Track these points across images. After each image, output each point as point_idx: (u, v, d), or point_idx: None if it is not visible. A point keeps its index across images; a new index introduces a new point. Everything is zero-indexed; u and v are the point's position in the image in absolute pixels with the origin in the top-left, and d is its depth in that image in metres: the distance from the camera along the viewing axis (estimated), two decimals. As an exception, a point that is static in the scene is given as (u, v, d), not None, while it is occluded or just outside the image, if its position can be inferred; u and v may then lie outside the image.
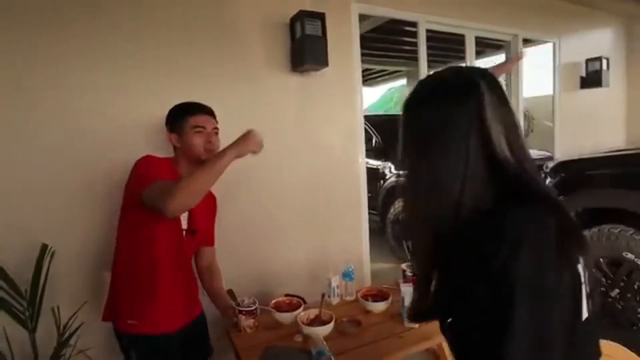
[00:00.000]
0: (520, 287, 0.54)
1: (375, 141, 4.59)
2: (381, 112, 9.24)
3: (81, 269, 1.71)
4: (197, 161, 1.40)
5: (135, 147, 1.61)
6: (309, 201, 2.31)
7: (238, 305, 1.48)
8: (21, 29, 1.58)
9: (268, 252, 2.18)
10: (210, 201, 1.60)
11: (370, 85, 8.07)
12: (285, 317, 1.53)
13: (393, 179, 4.35)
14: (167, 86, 1.85)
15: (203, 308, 1.59)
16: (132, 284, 1.37)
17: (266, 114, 2.15)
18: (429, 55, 2.80)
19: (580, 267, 0.61)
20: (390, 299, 1.63)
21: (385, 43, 4.76)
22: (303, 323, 1.45)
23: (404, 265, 1.82)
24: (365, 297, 1.67)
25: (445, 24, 2.81)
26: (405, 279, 1.75)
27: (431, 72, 0.75)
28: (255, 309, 1.48)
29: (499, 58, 4.86)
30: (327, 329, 1.42)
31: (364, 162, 2.53)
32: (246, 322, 1.46)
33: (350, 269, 1.76)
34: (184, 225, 1.44)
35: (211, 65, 1.98)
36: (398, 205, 4.18)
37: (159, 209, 1.17)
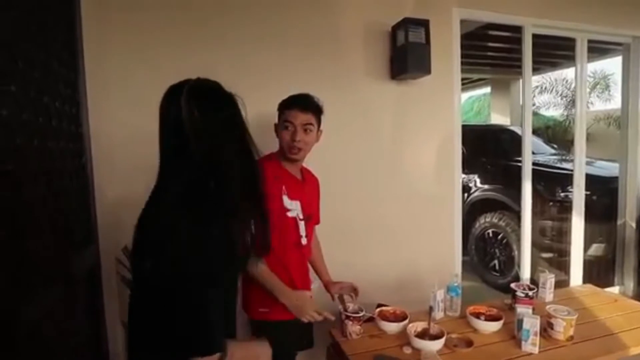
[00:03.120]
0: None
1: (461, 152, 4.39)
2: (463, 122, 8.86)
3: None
4: (286, 157, 1.45)
5: None
6: (402, 211, 2.27)
7: (346, 310, 1.48)
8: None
9: (359, 258, 2.15)
10: (314, 185, 1.65)
11: None
12: (392, 327, 1.50)
13: (478, 193, 4.11)
14: (264, 94, 1.90)
15: None
16: None
17: (363, 121, 2.16)
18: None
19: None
20: (502, 320, 1.52)
21: (472, 50, 4.56)
22: (413, 335, 1.40)
23: (514, 285, 1.70)
24: (475, 315, 1.58)
25: (554, 27, 2.61)
26: (518, 299, 1.63)
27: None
28: (363, 315, 1.47)
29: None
30: (438, 343, 1.36)
31: (459, 174, 2.43)
32: (353, 328, 1.46)
33: (456, 284, 1.68)
34: (300, 215, 1.48)
35: (309, 73, 2.03)
36: (484, 220, 3.94)
37: None
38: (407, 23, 2.03)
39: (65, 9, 1.33)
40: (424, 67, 2.06)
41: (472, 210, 4.11)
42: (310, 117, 1.43)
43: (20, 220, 0.93)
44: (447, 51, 2.32)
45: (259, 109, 1.79)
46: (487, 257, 3.88)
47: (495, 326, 1.51)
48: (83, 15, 1.44)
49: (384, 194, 2.22)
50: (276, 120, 1.48)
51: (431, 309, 1.54)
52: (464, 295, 2.25)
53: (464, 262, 4.02)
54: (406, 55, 2.04)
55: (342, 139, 2.07)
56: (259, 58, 1.94)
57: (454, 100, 2.36)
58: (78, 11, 1.40)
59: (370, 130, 2.18)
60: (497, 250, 3.77)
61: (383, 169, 2.22)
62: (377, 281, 2.16)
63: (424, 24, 2.06)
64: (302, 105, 1.42)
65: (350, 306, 1.51)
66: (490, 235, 3.87)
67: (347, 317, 1.46)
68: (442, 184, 2.37)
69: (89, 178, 1.45)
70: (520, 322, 1.41)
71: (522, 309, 1.46)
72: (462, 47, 4.32)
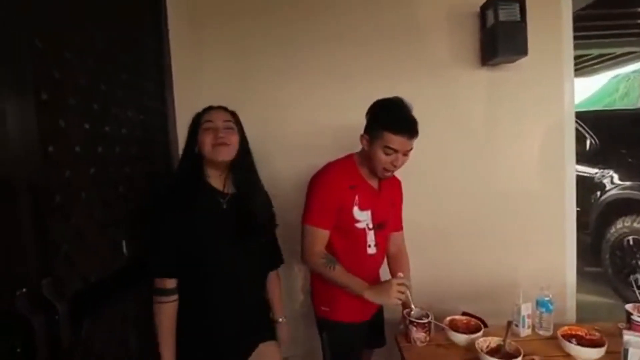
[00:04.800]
0: None
1: (590, 143, 3.71)
2: (598, 108, 7.44)
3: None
4: (374, 174, 1.42)
5: (319, 151, 1.65)
6: (497, 212, 2.03)
7: (409, 314, 1.40)
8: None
9: (445, 262, 2.02)
10: (394, 190, 1.59)
11: (582, 75, 6.56)
12: (460, 338, 1.38)
13: (615, 191, 3.42)
14: (348, 88, 1.92)
15: None
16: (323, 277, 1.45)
17: (451, 113, 2.00)
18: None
19: None
20: (605, 346, 1.26)
21: (608, 20, 3.78)
22: (482, 351, 1.26)
23: (629, 307, 1.40)
24: (568, 337, 1.34)
25: None
26: (633, 324, 1.33)
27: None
28: (428, 322, 1.38)
29: None
30: (512, 364, 1.20)
31: (572, 169, 2.07)
32: (417, 334, 1.37)
33: (547, 298, 1.45)
34: (370, 224, 1.44)
35: (391, 63, 1.95)
36: (622, 225, 3.27)
37: (301, 252, 1.40)
38: (496, 0, 1.81)
39: (154, 22, 1.56)
40: (518, 48, 1.80)
41: (606, 213, 3.45)
42: (413, 142, 1.35)
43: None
44: (554, 26, 1.98)
45: (341, 106, 1.87)
46: (626, 269, 3.23)
47: (592, 353, 1.25)
48: (170, 26, 1.65)
49: (473, 194, 2.02)
50: (363, 129, 1.41)
51: (509, 323, 1.36)
52: (590, 313, 1.92)
53: (595, 275, 3.43)
54: (496, 37, 1.81)
55: (427, 134, 1.92)
56: (338, 56, 1.94)
57: (563, 83, 2.01)
58: (165, 24, 1.61)
59: (458, 124, 2.00)
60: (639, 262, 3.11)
61: (472, 166, 2.01)
62: (463, 288, 2.00)
63: (519, -2, 1.81)
64: (412, 132, 1.33)
65: (418, 310, 1.42)
66: (631, 243, 3.21)
67: (411, 323, 1.38)
68: (547, 181, 2.04)
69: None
70: (625, 353, 1.15)
71: (631, 337, 1.18)
72: (592, 18, 3.65)
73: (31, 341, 0.74)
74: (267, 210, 1.37)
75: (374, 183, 1.47)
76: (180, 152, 1.60)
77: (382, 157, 1.33)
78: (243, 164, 1.30)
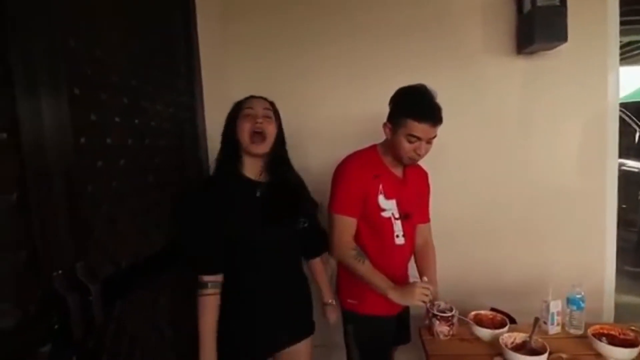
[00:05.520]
0: None
1: (640, 136, 3.46)
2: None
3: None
4: (398, 162, 1.40)
5: (346, 143, 1.60)
6: (531, 207, 1.96)
7: (432, 307, 1.38)
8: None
9: (475, 256, 1.97)
10: (420, 182, 1.56)
11: (630, 63, 6.01)
12: (484, 333, 1.35)
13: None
14: (375, 81, 1.90)
15: None
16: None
17: (484, 105, 1.93)
18: None
19: None
20: (639, 347, 1.20)
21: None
22: (506, 346, 1.24)
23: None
24: (599, 335, 1.29)
25: None
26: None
27: None
28: (452, 316, 1.36)
29: None
30: (537, 360, 1.17)
31: (615, 164, 1.94)
32: (440, 328, 1.36)
33: (578, 295, 1.39)
34: (396, 214, 1.42)
35: (421, 53, 1.90)
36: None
37: (330, 243, 1.40)
38: (535, -17, 1.72)
39: (183, 19, 1.61)
40: (557, 34, 1.71)
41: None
42: (434, 132, 1.32)
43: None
44: (598, 9, 1.85)
45: (368, 99, 1.85)
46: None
47: (625, 353, 1.19)
48: (199, 23, 1.68)
49: (506, 189, 1.96)
50: (386, 118, 1.39)
51: (536, 320, 1.32)
52: (630, 313, 1.82)
53: (636, 274, 3.21)
54: (533, 23, 1.72)
55: (458, 127, 1.87)
56: (366, 49, 1.92)
57: (607, 73, 1.89)
58: (194, 21, 1.65)
59: (491, 116, 1.93)
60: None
61: (506, 159, 1.95)
62: (491, 284, 1.96)
63: (558, -19, 1.70)
64: (435, 120, 1.30)
65: (442, 304, 1.40)
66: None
67: (434, 316, 1.37)
68: (587, 177, 1.94)
69: (204, 169, 1.69)
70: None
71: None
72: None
73: (67, 319, 0.81)
74: (302, 198, 1.39)
75: (398, 172, 1.46)
76: (209, 143, 1.67)
77: (406, 146, 1.32)
78: (278, 154, 1.32)
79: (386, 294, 1.32)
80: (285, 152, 1.36)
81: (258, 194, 1.29)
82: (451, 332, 1.37)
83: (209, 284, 1.22)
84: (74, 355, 0.84)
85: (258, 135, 1.25)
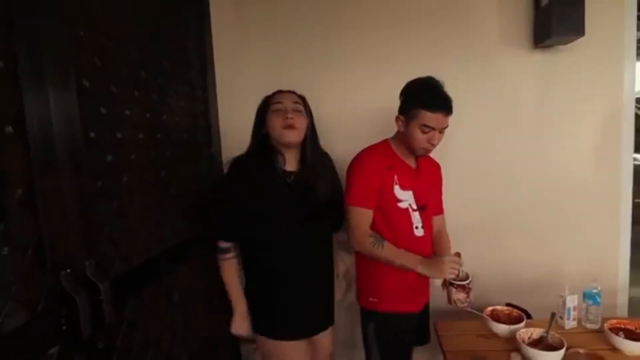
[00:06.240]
0: None
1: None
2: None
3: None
4: (412, 153, 1.40)
5: (359, 133, 1.64)
6: (546, 202, 1.94)
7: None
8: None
9: (490, 252, 1.95)
10: (434, 173, 1.58)
11: None
12: (501, 328, 1.36)
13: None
14: (386, 70, 1.86)
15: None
16: (373, 267, 1.44)
17: (499, 98, 1.90)
18: None
19: None
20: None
21: None
22: (523, 341, 1.23)
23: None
24: (616, 330, 1.28)
25: None
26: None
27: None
28: (469, 283, 1.35)
29: None
30: (555, 355, 1.17)
31: (630, 159, 1.91)
32: (457, 295, 1.36)
33: (595, 291, 1.39)
34: (414, 205, 1.43)
35: (435, 46, 1.87)
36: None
37: (347, 234, 1.40)
38: (552, -24, 1.67)
39: (196, 11, 1.58)
40: (574, 27, 1.67)
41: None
42: (446, 121, 1.34)
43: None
44: (615, 2, 1.81)
45: (380, 89, 1.80)
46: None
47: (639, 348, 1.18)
48: (212, 14, 1.65)
49: (521, 183, 1.94)
50: (398, 110, 1.40)
51: (553, 315, 1.32)
52: None
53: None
54: (550, 16, 1.68)
55: (472, 120, 1.87)
56: (378, 38, 1.88)
57: (624, 67, 1.85)
58: (207, 12, 1.62)
59: (506, 109, 1.90)
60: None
61: (521, 154, 1.92)
62: (507, 280, 1.95)
63: (577, -27, 1.65)
64: (448, 109, 1.32)
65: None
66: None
67: (451, 284, 1.36)
68: (602, 171, 1.91)
69: (217, 164, 1.68)
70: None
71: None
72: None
73: (76, 319, 0.78)
74: (334, 188, 1.42)
75: (411, 163, 1.46)
76: (222, 137, 1.65)
77: (420, 136, 1.33)
78: (310, 145, 1.34)
79: (415, 269, 1.34)
80: (317, 142, 1.38)
81: (290, 184, 1.31)
82: (468, 300, 1.36)
83: (224, 250, 1.31)
84: (83, 355, 0.81)
85: (289, 127, 1.26)
